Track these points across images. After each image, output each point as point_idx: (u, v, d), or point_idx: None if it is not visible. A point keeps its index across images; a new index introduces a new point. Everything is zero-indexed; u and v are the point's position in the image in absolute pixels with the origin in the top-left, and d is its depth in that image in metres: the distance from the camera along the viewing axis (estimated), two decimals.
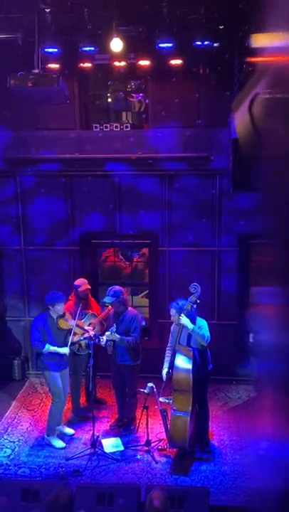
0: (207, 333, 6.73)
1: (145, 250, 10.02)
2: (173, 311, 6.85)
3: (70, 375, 7.39)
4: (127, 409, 7.49)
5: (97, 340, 7.10)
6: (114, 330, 7.01)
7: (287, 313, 1.36)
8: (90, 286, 7.69)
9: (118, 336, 7.01)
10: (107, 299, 7.16)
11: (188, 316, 6.71)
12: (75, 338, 7.26)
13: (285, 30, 1.36)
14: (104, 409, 7.96)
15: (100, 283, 9.32)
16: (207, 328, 6.80)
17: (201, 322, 6.83)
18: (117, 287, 7.26)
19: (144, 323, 8.56)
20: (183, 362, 6.65)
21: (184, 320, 6.66)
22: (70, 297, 7.67)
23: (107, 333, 7.04)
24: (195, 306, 6.74)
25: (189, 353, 6.66)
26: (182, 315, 6.70)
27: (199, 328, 6.72)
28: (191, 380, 6.59)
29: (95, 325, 7.51)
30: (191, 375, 6.58)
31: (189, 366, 6.61)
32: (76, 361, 7.52)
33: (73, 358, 7.42)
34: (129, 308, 7.36)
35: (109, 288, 7.26)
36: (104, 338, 7.11)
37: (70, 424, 7.59)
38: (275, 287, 1.49)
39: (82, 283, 7.62)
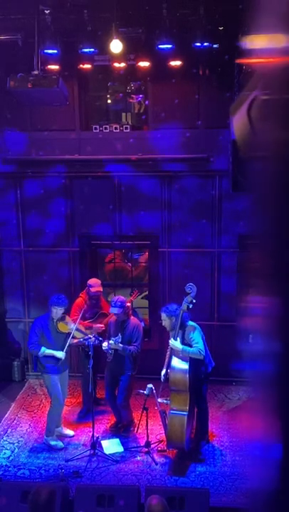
0: (200, 345, 6.63)
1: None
2: (163, 315, 6.82)
3: (75, 376, 7.41)
4: (124, 420, 7.48)
5: (97, 341, 7.10)
6: (120, 340, 6.96)
7: (279, 320, 1.36)
8: (101, 289, 7.76)
9: (121, 345, 6.98)
10: (114, 310, 7.03)
11: (182, 318, 6.69)
12: (75, 342, 7.26)
13: (280, 31, 1.36)
14: (104, 410, 7.94)
15: (102, 284, 9.29)
16: (200, 337, 6.70)
17: (192, 326, 6.78)
18: (121, 297, 7.21)
19: (143, 324, 8.56)
20: (179, 362, 6.64)
21: (173, 343, 6.64)
22: (80, 294, 7.74)
23: (111, 341, 6.98)
24: (191, 306, 6.72)
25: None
26: (172, 339, 6.69)
27: (191, 331, 6.70)
28: (188, 379, 6.58)
29: (105, 324, 7.54)
30: (187, 375, 6.57)
31: (185, 366, 6.60)
32: (82, 360, 7.60)
33: (78, 357, 7.44)
34: (132, 317, 7.29)
35: (114, 299, 7.16)
36: (106, 343, 7.08)
37: (69, 426, 7.59)
38: (266, 295, 1.49)
39: (95, 283, 7.67)
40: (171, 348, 6.86)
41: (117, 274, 10.15)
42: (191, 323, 6.80)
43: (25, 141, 8.56)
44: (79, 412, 7.91)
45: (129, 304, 7.40)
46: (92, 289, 7.62)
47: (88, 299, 7.66)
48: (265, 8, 1.44)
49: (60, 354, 7.03)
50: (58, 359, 7.05)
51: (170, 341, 6.72)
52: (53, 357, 7.03)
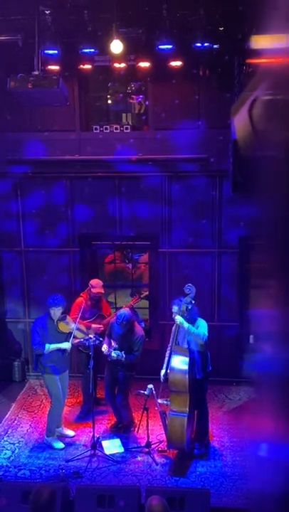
0: (204, 331, 6.70)
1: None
2: (175, 308, 6.82)
3: (75, 376, 7.41)
4: (124, 420, 7.48)
5: (97, 341, 7.10)
6: (123, 356, 6.92)
7: (282, 313, 1.36)
8: (103, 291, 7.76)
9: (123, 356, 6.96)
10: (120, 330, 6.95)
11: (188, 317, 6.70)
12: (76, 342, 7.26)
13: (284, 31, 1.36)
14: (105, 410, 7.94)
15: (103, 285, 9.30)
16: (206, 328, 6.77)
17: (201, 322, 6.82)
18: (127, 313, 6.97)
19: (143, 324, 8.56)
20: (179, 363, 6.64)
21: (179, 319, 6.65)
22: (82, 294, 7.75)
23: (113, 354, 6.95)
24: (190, 306, 6.72)
25: (186, 353, 6.65)
26: (177, 315, 6.70)
27: (197, 327, 6.71)
28: (188, 380, 6.58)
29: (105, 325, 7.54)
30: (187, 376, 6.57)
31: (185, 367, 6.59)
32: (81, 360, 7.59)
33: (79, 357, 7.44)
34: (136, 326, 7.21)
35: (120, 316, 6.93)
36: (105, 346, 7.07)
37: (70, 426, 7.59)
38: (270, 289, 1.49)
39: (97, 284, 7.67)
40: (171, 348, 6.86)
41: (117, 275, 10.15)
42: (200, 319, 6.84)
43: (26, 142, 8.56)
44: (79, 412, 7.91)
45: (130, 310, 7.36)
46: (94, 290, 7.62)
47: (89, 299, 7.66)
48: (270, 10, 1.45)
49: (66, 345, 7.03)
50: (58, 359, 7.05)
51: (176, 317, 6.69)
52: (54, 357, 7.04)
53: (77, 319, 7.29)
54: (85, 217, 8.87)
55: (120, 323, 6.92)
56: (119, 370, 7.18)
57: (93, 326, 7.59)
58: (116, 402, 7.36)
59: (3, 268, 9.18)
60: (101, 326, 7.56)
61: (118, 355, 6.91)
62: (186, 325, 6.63)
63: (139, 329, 7.20)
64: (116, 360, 7.06)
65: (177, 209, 8.67)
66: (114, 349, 7.00)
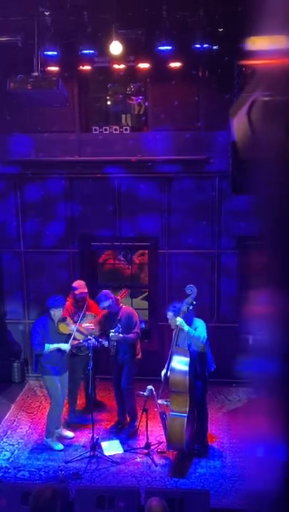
0: (203, 334, 6.70)
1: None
2: (170, 314, 6.83)
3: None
4: (128, 410, 7.48)
5: (97, 343, 7.10)
6: (120, 330, 7.00)
7: (282, 315, 1.36)
8: (86, 290, 7.68)
9: (122, 335, 7.02)
10: (103, 305, 7.20)
11: (185, 318, 6.70)
12: (75, 343, 7.25)
13: (281, 32, 1.36)
14: (104, 411, 7.94)
15: (100, 285, 9.31)
16: (204, 329, 6.77)
17: (198, 323, 6.81)
18: (104, 291, 7.36)
19: (143, 325, 8.56)
20: (179, 363, 6.64)
21: (180, 321, 6.66)
22: (67, 298, 7.71)
23: (111, 334, 7.02)
24: (191, 307, 6.72)
25: (186, 354, 6.65)
26: (178, 317, 6.70)
27: (195, 329, 6.72)
28: (188, 381, 6.58)
29: (95, 324, 7.52)
30: (187, 376, 6.57)
31: (186, 368, 6.60)
32: (74, 363, 7.50)
33: (71, 360, 7.41)
34: (123, 306, 7.36)
35: (98, 295, 7.34)
36: (105, 343, 7.11)
37: (69, 427, 7.58)
38: (269, 290, 1.49)
39: (79, 286, 7.62)
40: (172, 348, 6.86)
41: (117, 276, 10.15)
42: (197, 319, 6.84)
43: (25, 143, 8.56)
44: (69, 412, 7.82)
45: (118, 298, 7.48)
46: (77, 292, 7.56)
47: (75, 302, 7.62)
48: (268, 10, 1.45)
49: (65, 346, 7.03)
50: (59, 360, 7.05)
51: (177, 319, 6.69)
52: (54, 358, 7.03)
53: (78, 322, 7.28)
54: (85, 218, 8.87)
55: (99, 298, 7.23)
56: (124, 359, 7.20)
57: (83, 325, 7.53)
58: (121, 388, 7.36)
59: (3, 269, 9.18)
60: (91, 324, 7.51)
61: (116, 332, 7.00)
62: (186, 328, 6.63)
63: (127, 308, 7.39)
64: (119, 349, 7.12)
65: (176, 210, 8.67)
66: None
